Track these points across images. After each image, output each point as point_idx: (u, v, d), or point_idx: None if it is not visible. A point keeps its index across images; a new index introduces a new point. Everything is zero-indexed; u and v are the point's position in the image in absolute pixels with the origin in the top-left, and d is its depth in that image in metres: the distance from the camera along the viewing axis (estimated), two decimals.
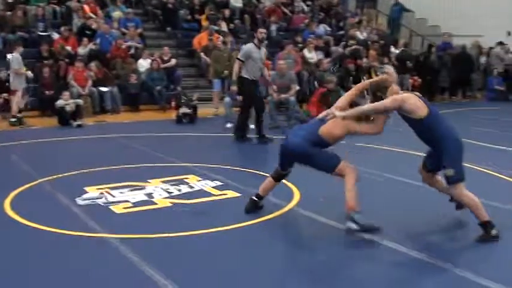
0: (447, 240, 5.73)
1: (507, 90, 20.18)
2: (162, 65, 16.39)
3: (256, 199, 6.37)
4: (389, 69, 6.17)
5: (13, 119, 13.19)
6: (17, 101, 13.40)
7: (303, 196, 7.03)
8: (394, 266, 5.11)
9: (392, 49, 20.08)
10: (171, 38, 19.35)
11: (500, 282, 4.58)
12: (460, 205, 6.05)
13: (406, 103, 5.56)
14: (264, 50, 11.20)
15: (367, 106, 5.75)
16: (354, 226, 5.54)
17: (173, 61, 16.92)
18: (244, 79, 10.75)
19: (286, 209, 6.59)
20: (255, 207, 6.37)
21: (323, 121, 5.85)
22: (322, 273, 4.85)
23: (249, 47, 10.93)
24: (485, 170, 8.53)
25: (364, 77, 17.14)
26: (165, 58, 16.86)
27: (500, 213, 6.58)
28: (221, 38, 16.36)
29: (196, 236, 5.66)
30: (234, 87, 11.15)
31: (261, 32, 11.10)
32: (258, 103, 11.00)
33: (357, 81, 16.26)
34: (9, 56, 13.95)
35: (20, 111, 13.39)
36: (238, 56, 11.01)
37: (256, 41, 10.94)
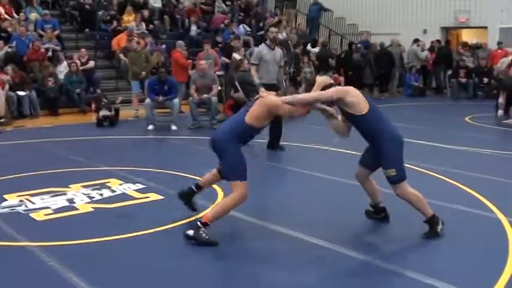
0: (392, 241, 5.82)
1: (424, 86, 20.85)
2: (81, 67, 16.11)
3: (194, 189, 6.29)
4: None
5: None
6: None
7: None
8: (321, 261, 5.22)
9: (309, 47, 20.41)
10: (89, 40, 19.05)
11: (447, 281, 4.70)
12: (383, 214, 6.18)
13: (349, 95, 5.58)
14: (279, 51, 10.33)
15: (310, 94, 5.66)
16: (191, 234, 5.45)
17: (91, 63, 16.65)
18: (261, 84, 9.62)
19: (210, 209, 6.60)
20: (189, 196, 6.30)
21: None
22: (248, 272, 4.90)
23: (259, 48, 10.26)
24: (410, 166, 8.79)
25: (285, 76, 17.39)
26: (83, 60, 16.57)
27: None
28: (135, 39, 16.19)
29: (120, 241, 5.63)
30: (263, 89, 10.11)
31: (272, 31, 10.29)
32: None
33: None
34: None
35: None
36: (251, 60, 10.28)
37: (268, 41, 10.19)
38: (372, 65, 19.81)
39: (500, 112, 13.66)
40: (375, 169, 5.93)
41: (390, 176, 5.62)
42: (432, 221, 5.73)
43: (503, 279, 4.73)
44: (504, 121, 14.05)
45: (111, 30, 19.00)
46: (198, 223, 5.42)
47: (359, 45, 20.58)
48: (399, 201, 5.87)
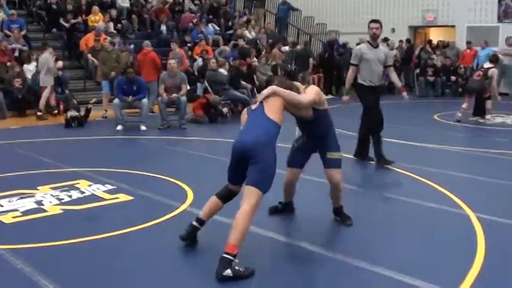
0: (361, 238, 5.82)
1: (392, 84, 20.98)
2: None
3: (197, 225, 5.42)
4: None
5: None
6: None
7: (196, 196, 7.05)
8: (288, 258, 5.23)
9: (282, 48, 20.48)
10: (57, 40, 18.87)
11: (416, 276, 4.74)
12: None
13: (321, 93, 5.78)
14: (383, 49, 9.22)
15: (298, 96, 5.49)
16: (230, 274, 4.62)
17: (59, 63, 16.46)
18: (359, 85, 8.99)
19: (180, 209, 6.59)
20: (193, 235, 5.45)
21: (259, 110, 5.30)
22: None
23: (360, 47, 9.19)
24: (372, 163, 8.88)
25: (255, 76, 17.47)
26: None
27: (389, 202, 6.88)
28: (109, 38, 16.11)
29: (90, 242, 5.58)
30: (345, 97, 9.25)
31: (373, 27, 8.86)
32: (375, 115, 9.12)
33: (247, 80, 16.49)
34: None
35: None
36: (351, 60, 9.18)
37: (370, 38, 8.96)
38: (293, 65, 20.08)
39: (459, 115, 13.85)
40: (303, 167, 6.20)
41: (336, 158, 5.90)
42: (341, 210, 6.14)
43: (472, 274, 4.80)
44: (471, 118, 14.24)
45: (71, 26, 18.73)
46: (228, 257, 4.63)
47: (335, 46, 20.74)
48: (366, 200, 5.92)
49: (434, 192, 7.42)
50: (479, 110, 14.31)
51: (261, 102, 5.29)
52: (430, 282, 4.62)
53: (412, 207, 6.86)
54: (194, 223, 5.38)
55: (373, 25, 8.81)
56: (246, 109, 5.56)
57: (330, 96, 19.30)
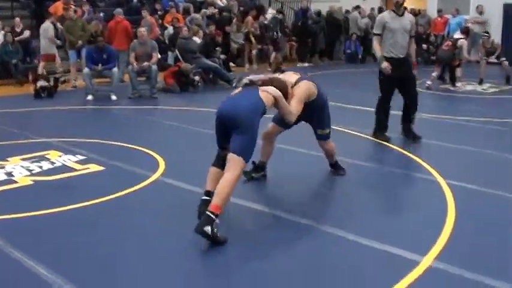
0: (333, 206, 5.90)
1: (364, 52, 21.07)
2: (17, 38, 15.65)
3: (207, 198, 5.24)
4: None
5: None
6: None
7: (168, 166, 7.04)
8: (264, 228, 5.26)
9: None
10: (25, 9, 18.53)
11: (388, 243, 4.79)
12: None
13: (310, 89, 5.98)
14: (409, 17, 8.38)
15: (290, 109, 5.65)
16: (209, 231, 4.69)
17: (27, 33, 16.20)
18: (384, 58, 8.23)
19: (152, 179, 6.57)
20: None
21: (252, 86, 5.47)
22: (193, 240, 4.90)
23: (383, 15, 8.55)
24: (351, 132, 8.91)
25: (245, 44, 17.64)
26: (18, 30, 16.10)
27: (362, 170, 6.94)
28: (73, 7, 15.81)
29: (62, 213, 5.54)
30: (385, 64, 8.21)
31: None
32: (387, 92, 8.46)
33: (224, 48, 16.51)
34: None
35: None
36: (374, 30, 8.59)
37: (394, 6, 8.28)
38: (325, 32, 20.08)
39: (428, 83, 13.97)
40: (287, 129, 6.36)
41: (326, 134, 6.41)
42: (335, 164, 6.69)
43: (442, 239, 4.87)
44: (442, 86, 14.35)
45: None
46: (211, 215, 4.70)
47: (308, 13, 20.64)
48: (351, 172, 5.95)
49: (405, 160, 7.49)
50: (450, 78, 14.43)
51: (256, 86, 5.43)
52: (401, 248, 4.68)
53: (383, 174, 6.92)
54: (204, 197, 5.27)
55: None
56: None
57: (306, 64, 19.38)
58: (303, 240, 4.95)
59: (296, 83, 5.88)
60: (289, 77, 5.95)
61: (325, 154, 6.67)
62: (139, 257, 4.62)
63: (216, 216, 4.74)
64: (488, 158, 7.58)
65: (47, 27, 14.60)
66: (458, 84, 14.12)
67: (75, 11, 15.11)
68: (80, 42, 13.97)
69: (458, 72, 14.13)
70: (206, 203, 5.07)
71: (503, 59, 14.79)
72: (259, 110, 5.20)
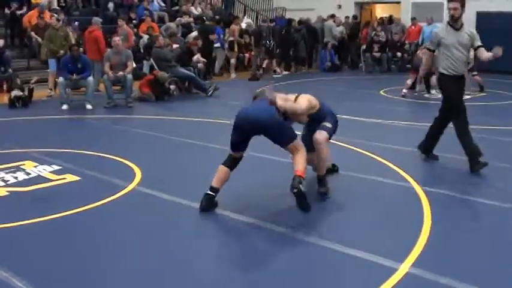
0: (308, 213, 5.89)
1: (339, 61, 21.23)
2: None
3: (211, 193, 5.81)
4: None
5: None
6: None
7: (144, 175, 7.01)
8: (242, 237, 5.26)
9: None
10: None
11: (365, 250, 4.82)
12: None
13: (311, 100, 6.31)
14: (467, 31, 7.59)
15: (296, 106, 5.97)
16: (304, 189, 5.47)
17: (1, 42, 16.04)
18: (441, 75, 7.65)
19: (128, 189, 6.55)
20: (211, 203, 5.81)
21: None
22: (173, 249, 4.89)
23: (438, 29, 7.87)
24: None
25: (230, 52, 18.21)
26: None
27: (338, 178, 6.95)
28: (56, 15, 15.73)
29: (38, 224, 5.49)
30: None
31: (450, 7, 7.50)
32: (461, 113, 7.59)
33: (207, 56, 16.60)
34: None
35: None
36: (427, 45, 7.98)
37: (450, 19, 7.56)
38: (306, 40, 20.21)
39: (404, 91, 14.10)
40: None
41: (327, 125, 6.40)
42: (321, 178, 6.39)
43: (418, 245, 4.91)
44: (416, 93, 14.47)
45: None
46: (301, 178, 5.46)
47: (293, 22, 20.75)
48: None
49: (381, 167, 7.53)
50: (425, 85, 14.54)
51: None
52: (379, 255, 4.70)
53: (359, 181, 6.95)
54: (209, 192, 5.77)
55: (450, 5, 7.49)
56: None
57: (287, 72, 19.53)
58: (280, 250, 4.95)
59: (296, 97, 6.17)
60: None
61: (317, 158, 6.34)
62: (115, 270, 4.59)
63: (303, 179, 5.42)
64: (464, 165, 7.63)
65: None
66: (433, 91, 14.22)
67: (57, 20, 15.01)
68: (61, 51, 13.85)
69: (434, 79, 14.23)
70: (210, 198, 5.75)
71: (475, 73, 14.92)
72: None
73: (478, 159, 7.32)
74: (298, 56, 20.47)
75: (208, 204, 5.76)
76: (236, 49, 19.17)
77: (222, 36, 19.03)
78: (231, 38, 19.12)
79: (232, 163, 5.89)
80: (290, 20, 20.82)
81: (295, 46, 20.19)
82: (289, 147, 5.70)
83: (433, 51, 7.73)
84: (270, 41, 19.09)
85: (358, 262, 4.66)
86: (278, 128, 5.67)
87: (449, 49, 7.47)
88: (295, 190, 5.40)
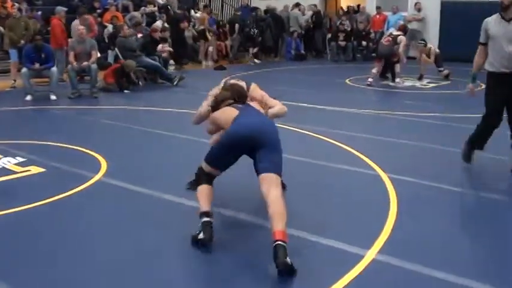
0: (254, 197, 5.90)
1: (305, 50, 21.28)
2: None
3: (208, 219, 4.74)
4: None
5: None
6: None
7: (110, 166, 6.96)
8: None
9: (193, 13, 20.46)
10: None
11: (332, 237, 4.88)
12: None
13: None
14: None
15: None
16: (289, 261, 4.15)
17: None
18: (487, 73, 6.80)
19: (94, 180, 6.49)
20: (211, 229, 4.71)
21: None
22: (140, 240, 4.87)
23: (487, 20, 6.75)
24: (292, 128, 8.96)
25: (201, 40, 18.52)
26: None
27: (305, 166, 6.97)
28: (16, 5, 15.51)
29: (2, 217, 5.41)
30: (470, 85, 7.21)
31: None
32: (492, 116, 6.78)
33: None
34: None
35: None
36: (480, 39, 6.84)
37: (500, 9, 6.58)
38: (272, 29, 20.25)
39: (370, 80, 14.17)
40: None
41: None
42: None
43: (385, 231, 4.97)
44: (383, 82, 14.58)
45: None
46: (285, 245, 4.17)
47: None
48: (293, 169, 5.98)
49: (346, 155, 7.57)
50: (390, 74, 14.65)
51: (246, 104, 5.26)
52: (345, 242, 4.74)
53: (325, 169, 6.98)
54: (205, 219, 4.71)
55: None
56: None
57: (258, 61, 19.66)
58: (247, 238, 4.96)
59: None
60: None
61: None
62: (82, 261, 4.55)
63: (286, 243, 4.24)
64: (429, 152, 7.73)
65: None
66: (397, 80, 14.35)
67: (19, 9, 14.79)
68: (22, 41, 13.67)
69: (397, 68, 14.35)
70: (210, 225, 4.69)
71: (442, 69, 15.08)
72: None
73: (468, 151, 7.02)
74: (265, 45, 20.48)
75: (212, 232, 4.69)
76: (210, 37, 19.24)
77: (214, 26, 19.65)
78: (202, 27, 19.12)
79: (210, 180, 4.99)
80: (255, 9, 20.85)
81: (261, 35, 20.20)
82: (273, 176, 4.65)
83: (484, 44, 6.76)
84: (253, 29, 19.42)
85: (325, 249, 4.69)
86: (276, 145, 4.84)
87: (496, 42, 6.61)
88: (282, 267, 4.13)
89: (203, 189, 4.92)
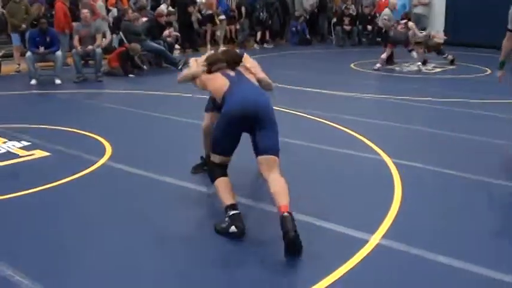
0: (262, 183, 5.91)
1: (310, 34, 21.19)
2: None
3: (236, 212, 4.64)
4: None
5: None
6: None
7: (115, 150, 6.97)
8: (215, 212, 5.26)
9: None
10: None
11: (337, 222, 4.87)
12: None
13: None
14: None
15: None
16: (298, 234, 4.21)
17: None
18: None
19: (99, 164, 6.50)
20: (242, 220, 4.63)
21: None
22: (147, 224, 4.88)
23: None
24: (297, 113, 8.93)
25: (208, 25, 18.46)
26: None
27: (310, 151, 6.96)
28: None
29: (8, 200, 5.43)
30: (499, 72, 6.93)
31: None
32: None
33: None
34: None
35: None
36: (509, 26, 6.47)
37: None
38: (279, 13, 20.25)
39: (378, 66, 14.09)
40: None
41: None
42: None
43: (389, 217, 4.96)
44: (389, 67, 14.51)
45: None
46: (291, 217, 4.23)
47: None
48: (286, 148, 5.98)
49: (351, 139, 7.56)
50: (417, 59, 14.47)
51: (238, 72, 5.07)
52: (350, 227, 4.74)
53: (330, 154, 6.97)
54: (233, 212, 4.60)
55: None
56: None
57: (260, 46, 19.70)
58: (251, 223, 4.96)
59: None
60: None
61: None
62: (87, 246, 4.56)
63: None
64: (434, 137, 7.71)
65: None
66: (421, 65, 14.23)
67: None
68: (23, 25, 13.64)
69: (414, 54, 14.22)
70: (240, 217, 4.59)
71: (445, 55, 14.97)
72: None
73: None
74: (273, 29, 20.48)
75: (243, 224, 4.59)
76: (218, 22, 19.21)
77: (224, 9, 19.70)
78: (210, 11, 19.07)
79: (224, 170, 4.84)
80: None
81: (271, 19, 20.21)
82: (272, 158, 4.63)
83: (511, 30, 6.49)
84: (263, 13, 19.54)
85: (329, 234, 4.70)
86: (272, 121, 4.74)
87: None
88: (292, 234, 4.16)
89: (221, 183, 4.78)
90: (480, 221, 5.01)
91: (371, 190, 5.74)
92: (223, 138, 4.80)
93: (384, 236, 4.58)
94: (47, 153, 6.93)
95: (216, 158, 4.84)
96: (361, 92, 11.07)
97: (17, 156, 6.85)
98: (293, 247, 4.18)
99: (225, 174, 4.81)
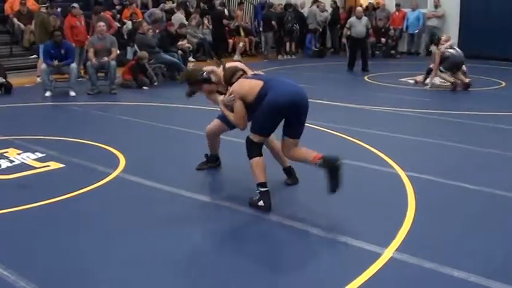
0: (294, 200, 5.86)
1: (323, 47, 21.23)
2: None
3: (267, 188, 5.45)
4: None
5: None
6: None
7: (129, 162, 6.99)
8: (224, 223, 5.27)
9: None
10: None
11: (350, 235, 4.86)
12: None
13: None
14: None
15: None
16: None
17: None
18: None
19: (112, 176, 6.52)
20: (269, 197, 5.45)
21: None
22: (159, 237, 4.88)
23: None
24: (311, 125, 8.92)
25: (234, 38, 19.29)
26: None
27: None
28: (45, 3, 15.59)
29: (22, 212, 5.45)
30: None
31: None
32: None
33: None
34: None
35: None
36: None
37: None
38: (298, 25, 20.62)
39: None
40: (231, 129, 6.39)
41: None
42: (288, 169, 6.30)
43: (403, 230, 4.94)
44: (401, 80, 14.47)
45: None
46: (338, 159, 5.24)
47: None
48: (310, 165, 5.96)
49: (365, 152, 7.54)
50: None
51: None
52: (363, 241, 4.72)
53: (344, 167, 6.94)
54: (263, 189, 5.41)
55: None
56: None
57: (286, 57, 19.95)
58: (265, 236, 4.96)
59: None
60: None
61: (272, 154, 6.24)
62: (99, 258, 4.57)
63: None
64: (447, 150, 7.68)
65: None
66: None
67: (47, 8, 14.87)
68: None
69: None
70: (268, 194, 5.39)
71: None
72: None
73: None
74: (293, 40, 20.90)
75: (270, 200, 5.42)
76: (242, 33, 19.94)
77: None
78: (236, 23, 19.45)
79: (260, 149, 5.54)
80: (287, 6, 20.86)
81: (291, 31, 20.54)
82: (296, 142, 5.59)
83: None
84: (293, 25, 20.12)
85: (343, 247, 4.68)
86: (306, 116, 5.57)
87: None
88: (338, 162, 5.21)
89: (258, 162, 5.45)
90: (495, 235, 4.97)
91: (384, 203, 5.72)
92: (267, 122, 5.43)
93: (397, 250, 4.56)
94: (61, 165, 6.96)
95: (257, 138, 5.47)
96: (374, 104, 11.06)
97: (31, 167, 6.89)
98: (337, 177, 5.18)
99: (260, 154, 5.47)
